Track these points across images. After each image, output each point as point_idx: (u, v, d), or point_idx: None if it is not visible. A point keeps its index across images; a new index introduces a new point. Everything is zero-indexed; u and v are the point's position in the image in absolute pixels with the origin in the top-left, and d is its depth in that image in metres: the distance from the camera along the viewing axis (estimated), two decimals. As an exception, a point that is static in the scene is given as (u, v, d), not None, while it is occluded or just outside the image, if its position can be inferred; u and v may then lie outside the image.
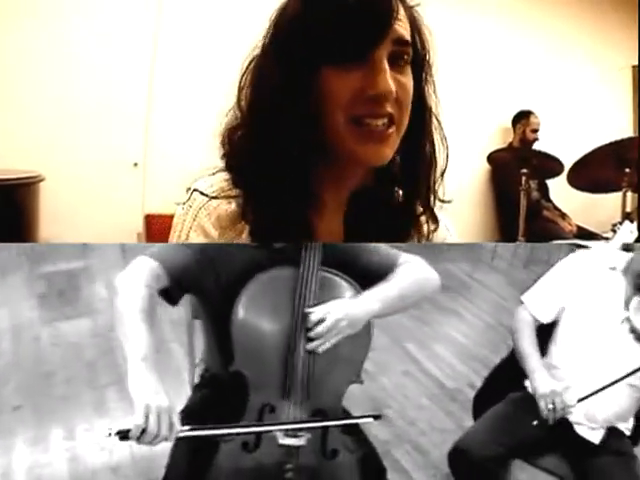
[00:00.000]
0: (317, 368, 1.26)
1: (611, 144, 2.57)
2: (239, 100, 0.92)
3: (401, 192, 1.00)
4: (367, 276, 1.33)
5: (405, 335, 3.19)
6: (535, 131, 3.87)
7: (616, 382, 1.66)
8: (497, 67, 4.00)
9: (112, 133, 3.12)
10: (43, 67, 2.99)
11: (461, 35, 3.79)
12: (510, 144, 3.91)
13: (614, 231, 2.56)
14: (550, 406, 1.70)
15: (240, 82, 0.92)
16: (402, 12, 0.84)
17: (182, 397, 1.54)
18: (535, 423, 1.72)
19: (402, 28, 0.83)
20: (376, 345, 1.41)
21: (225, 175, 0.96)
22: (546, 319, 1.87)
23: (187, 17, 3.26)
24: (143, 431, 0.97)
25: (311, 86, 0.84)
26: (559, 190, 3.79)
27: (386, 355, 3.06)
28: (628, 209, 2.59)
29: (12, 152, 2.89)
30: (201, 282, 1.29)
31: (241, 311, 1.25)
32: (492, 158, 3.04)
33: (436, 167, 0.98)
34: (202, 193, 0.96)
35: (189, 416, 1.23)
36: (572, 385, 1.76)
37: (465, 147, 3.72)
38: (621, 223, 2.55)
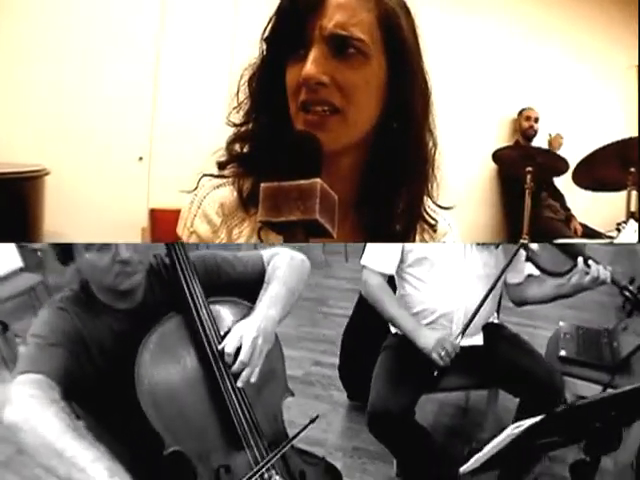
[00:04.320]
0: (252, 401, 1.17)
1: (616, 143, 2.56)
2: (238, 98, 1.01)
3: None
4: (245, 287, 1.33)
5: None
6: (528, 119, 3.89)
7: (485, 299, 1.84)
8: (503, 67, 3.99)
9: (117, 127, 3.13)
10: (48, 62, 3.01)
11: (469, 36, 3.79)
12: (516, 141, 3.92)
13: (619, 230, 2.55)
14: (442, 353, 1.82)
15: (239, 85, 1.00)
16: (358, 5, 0.89)
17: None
18: (435, 373, 1.85)
19: (346, 22, 0.88)
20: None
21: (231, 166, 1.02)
22: (393, 269, 1.98)
23: (192, 12, 3.27)
24: None
25: (282, 82, 0.94)
26: (564, 189, 3.79)
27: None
28: (632, 208, 2.58)
29: (17, 146, 2.91)
30: (84, 380, 1.14)
31: (148, 388, 1.10)
32: (497, 156, 3.04)
33: (421, 164, 0.99)
34: (211, 175, 1.01)
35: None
36: (448, 313, 1.93)
37: (470, 146, 3.72)
38: (625, 222, 2.55)
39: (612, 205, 3.27)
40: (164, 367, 1.13)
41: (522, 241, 2.88)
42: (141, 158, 3.23)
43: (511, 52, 4.03)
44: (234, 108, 1.00)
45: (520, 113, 3.96)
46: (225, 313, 1.26)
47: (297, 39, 0.90)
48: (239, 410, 1.14)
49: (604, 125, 4.05)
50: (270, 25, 0.95)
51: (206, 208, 0.99)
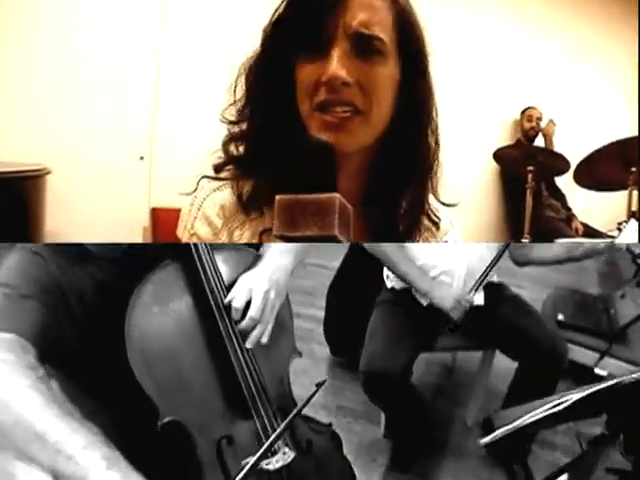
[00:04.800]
0: (259, 362, 1.04)
1: (617, 143, 2.56)
2: (236, 95, 0.97)
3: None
4: None
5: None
6: (530, 119, 3.89)
7: (495, 264, 1.81)
8: (504, 65, 3.99)
9: (118, 126, 3.13)
10: (50, 62, 3.00)
11: (470, 33, 3.79)
12: (518, 140, 3.92)
13: (619, 229, 2.55)
14: (462, 311, 1.80)
15: (236, 80, 0.96)
16: (379, 4, 0.87)
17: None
18: (450, 328, 1.81)
19: (369, 21, 0.85)
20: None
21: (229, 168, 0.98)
22: None
23: (192, 11, 3.27)
24: None
25: (290, 79, 0.90)
26: (565, 188, 3.79)
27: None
28: (633, 208, 2.58)
29: (18, 145, 2.91)
30: (63, 340, 0.95)
31: (139, 347, 0.94)
32: (498, 155, 3.04)
33: (426, 163, 0.98)
34: (210, 177, 0.97)
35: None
36: (449, 270, 1.87)
37: (471, 145, 3.72)
38: (626, 221, 2.55)
39: (613, 205, 3.27)
40: (159, 322, 0.98)
41: (523, 240, 2.88)
42: (142, 157, 3.23)
43: (512, 51, 4.02)
44: (230, 105, 0.97)
45: (522, 113, 3.95)
46: (229, 261, 1.10)
47: (316, 35, 0.85)
48: (247, 373, 1.02)
49: (605, 125, 4.05)
50: (281, 18, 0.90)
51: (206, 210, 0.95)
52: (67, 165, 2.99)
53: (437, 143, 0.99)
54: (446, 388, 2.60)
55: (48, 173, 2.77)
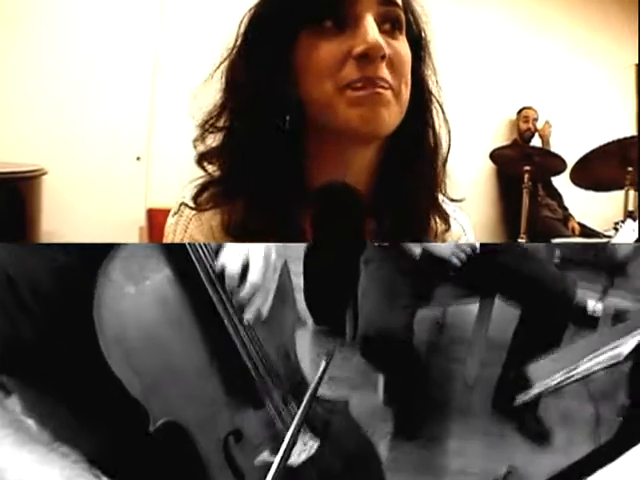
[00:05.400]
0: (261, 337, 0.87)
1: (614, 142, 2.56)
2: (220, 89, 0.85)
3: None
4: None
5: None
6: (526, 120, 3.89)
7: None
8: (502, 64, 3.99)
9: (115, 127, 3.12)
10: (46, 61, 3.00)
11: (468, 31, 3.79)
12: (514, 140, 3.93)
13: (616, 229, 2.55)
14: (462, 256, 1.72)
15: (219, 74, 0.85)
16: None
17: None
18: (452, 274, 1.75)
19: None
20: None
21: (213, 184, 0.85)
22: None
23: (190, 13, 3.26)
24: None
25: (291, 59, 0.76)
26: (562, 188, 3.79)
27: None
28: (630, 207, 2.58)
29: (15, 146, 2.90)
30: (18, 342, 0.75)
31: (114, 335, 0.74)
32: (495, 155, 3.04)
33: (438, 156, 0.88)
34: (192, 207, 0.83)
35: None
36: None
37: (469, 145, 3.72)
38: (623, 221, 2.55)
39: (610, 204, 3.28)
40: (136, 303, 0.78)
41: (520, 240, 2.88)
42: (139, 158, 3.22)
43: (510, 50, 4.03)
44: (212, 117, 0.81)
45: (519, 113, 3.95)
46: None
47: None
48: (252, 351, 0.84)
49: (602, 124, 4.05)
50: None
51: (193, 233, 0.82)
52: (64, 166, 2.98)
53: (449, 142, 0.89)
54: (440, 345, 2.52)
55: (45, 174, 2.77)
